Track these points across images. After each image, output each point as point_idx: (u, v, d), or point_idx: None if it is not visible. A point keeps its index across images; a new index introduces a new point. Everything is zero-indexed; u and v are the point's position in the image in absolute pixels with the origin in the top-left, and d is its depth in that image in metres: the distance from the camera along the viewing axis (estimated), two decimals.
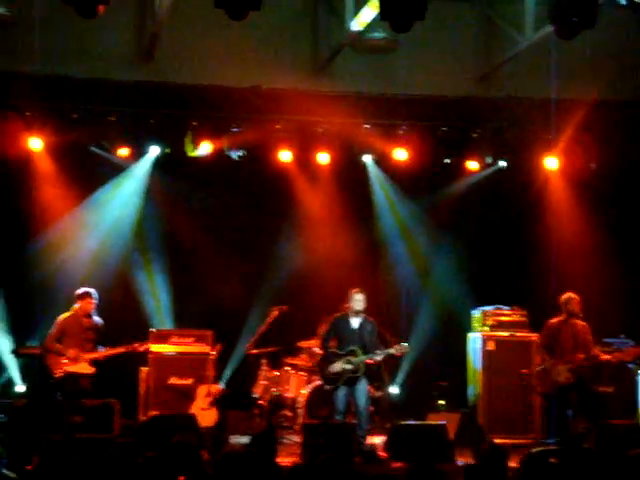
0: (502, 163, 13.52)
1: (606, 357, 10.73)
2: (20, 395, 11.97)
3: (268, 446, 7.08)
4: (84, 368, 10.76)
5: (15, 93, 11.53)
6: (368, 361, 10.63)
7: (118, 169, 12.90)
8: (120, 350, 11.01)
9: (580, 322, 10.79)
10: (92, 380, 10.80)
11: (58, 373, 10.67)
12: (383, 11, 8.27)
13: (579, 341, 10.69)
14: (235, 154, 12.76)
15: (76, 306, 10.99)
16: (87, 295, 10.98)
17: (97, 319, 11.06)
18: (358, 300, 10.70)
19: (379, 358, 10.65)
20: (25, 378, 12.21)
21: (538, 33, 10.67)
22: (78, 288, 11.18)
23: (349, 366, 10.56)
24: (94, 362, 10.83)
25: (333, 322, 10.87)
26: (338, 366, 10.57)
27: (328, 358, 10.72)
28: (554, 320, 10.89)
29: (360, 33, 10.95)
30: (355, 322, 10.76)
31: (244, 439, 10.93)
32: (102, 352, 10.89)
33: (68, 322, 10.92)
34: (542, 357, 10.89)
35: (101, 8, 7.70)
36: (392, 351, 10.68)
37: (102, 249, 12.74)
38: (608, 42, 11.58)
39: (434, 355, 13.07)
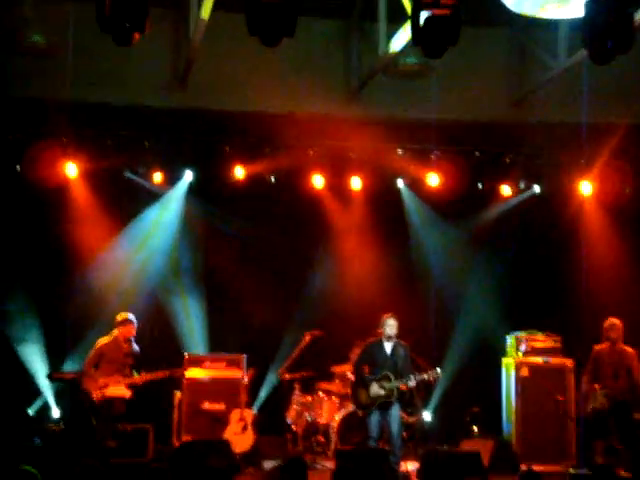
0: (536, 188, 13.48)
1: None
2: (55, 420, 12.03)
3: (299, 472, 7.06)
4: (121, 392, 10.83)
5: (51, 120, 11.66)
6: (401, 387, 10.57)
7: (153, 195, 12.99)
8: (159, 375, 11.07)
9: (627, 348, 10.72)
10: (126, 403, 10.85)
11: (95, 396, 10.74)
12: (415, 37, 8.28)
13: (622, 367, 10.59)
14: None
15: (116, 331, 11.07)
16: (128, 321, 11.08)
17: (135, 346, 11.13)
18: (391, 325, 10.68)
19: (412, 384, 10.58)
20: (60, 403, 12.28)
21: (572, 58, 10.67)
22: (113, 314, 11.27)
23: (382, 391, 10.52)
24: (131, 386, 10.89)
25: (366, 347, 10.85)
26: (372, 391, 10.52)
27: (361, 383, 10.67)
28: (599, 346, 10.85)
29: (393, 59, 10.99)
30: (388, 347, 10.72)
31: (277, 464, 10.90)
32: (141, 377, 10.95)
33: (108, 347, 11.01)
34: (583, 381, 10.82)
35: (137, 36, 7.76)
36: (425, 377, 10.63)
37: (138, 275, 12.80)
38: None
39: (468, 381, 12.98)
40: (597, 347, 10.86)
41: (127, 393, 10.85)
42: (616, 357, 10.65)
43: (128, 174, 12.70)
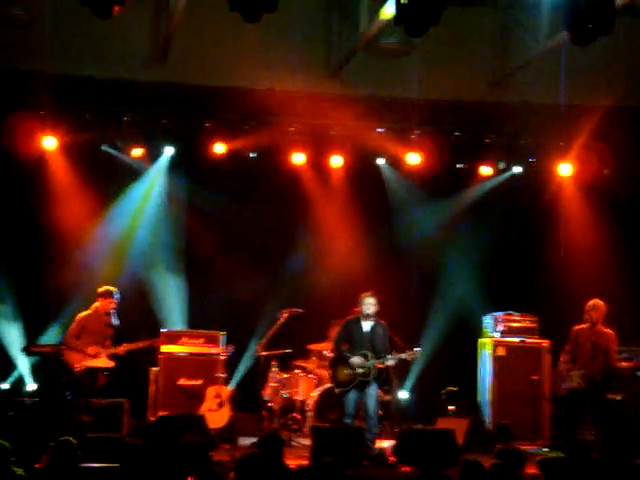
0: (516, 169, 13.51)
1: (625, 364, 10.70)
2: (31, 393, 12.00)
3: (275, 448, 7.08)
4: (104, 362, 10.88)
5: (30, 92, 11.58)
6: (379, 365, 10.60)
7: (132, 169, 12.94)
8: (139, 345, 11.11)
9: (605, 329, 10.76)
10: (110, 375, 10.92)
11: (78, 367, 10.75)
12: (398, 15, 8.26)
13: (599, 349, 10.65)
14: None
15: (97, 304, 11.09)
16: (109, 294, 11.10)
17: (115, 319, 11.14)
18: (369, 303, 10.68)
19: (391, 362, 10.61)
20: (36, 376, 12.26)
21: (553, 39, 10.66)
22: (93, 289, 11.27)
23: (360, 370, 10.53)
24: (113, 357, 10.93)
25: (345, 325, 10.86)
26: (350, 369, 10.53)
27: (340, 361, 10.69)
28: (578, 326, 10.89)
29: (374, 37, 10.96)
30: (367, 326, 10.73)
31: (253, 441, 10.94)
32: (123, 347, 10.97)
33: (88, 319, 11.05)
34: (560, 361, 10.87)
35: (117, 8, 7.71)
36: (404, 356, 10.66)
37: (118, 250, 12.77)
38: (622, 49, 11.54)
39: (445, 360, 13.03)
40: (577, 327, 10.89)
41: (110, 363, 10.90)
42: (595, 338, 10.69)
43: (107, 148, 12.65)
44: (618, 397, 11.65)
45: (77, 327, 11.00)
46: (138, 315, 12.30)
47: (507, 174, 13.57)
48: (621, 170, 13.10)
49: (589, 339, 10.71)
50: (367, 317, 10.69)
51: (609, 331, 10.76)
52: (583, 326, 10.85)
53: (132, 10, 8.56)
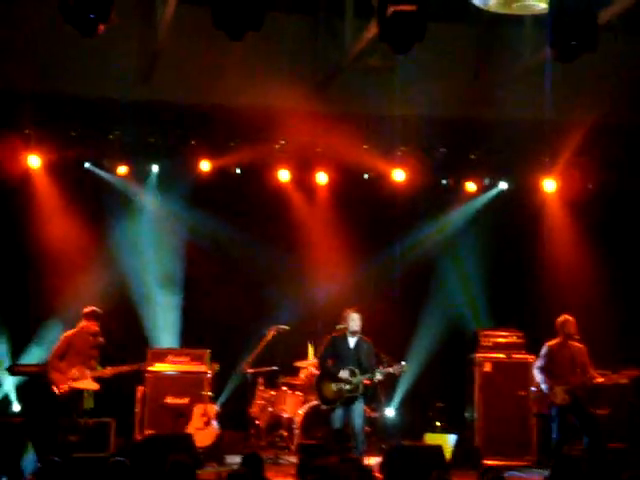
0: (502, 185, 13.58)
1: (601, 379, 10.69)
2: (16, 413, 11.92)
3: (255, 467, 7.08)
4: (89, 384, 10.79)
5: (14, 111, 11.57)
6: (366, 381, 10.59)
7: (118, 188, 12.90)
8: (125, 368, 11.05)
9: (577, 344, 10.77)
10: (96, 396, 10.83)
11: (62, 389, 10.68)
12: (382, 33, 8.30)
13: (576, 363, 10.65)
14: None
15: (82, 323, 11.03)
16: (94, 314, 11.04)
17: (100, 338, 11.08)
18: (355, 319, 10.67)
19: (379, 377, 10.60)
20: (21, 396, 12.18)
21: (536, 56, 10.72)
22: (76, 307, 11.20)
23: (347, 386, 10.52)
24: (98, 379, 10.85)
25: (330, 341, 10.84)
26: (337, 386, 10.52)
27: (326, 378, 10.66)
28: (552, 342, 10.87)
29: (359, 54, 10.99)
30: (352, 342, 10.72)
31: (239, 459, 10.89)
32: (108, 370, 10.91)
33: (74, 338, 10.98)
34: (540, 378, 10.87)
35: (102, 27, 7.72)
36: (391, 370, 10.66)
37: (104, 269, 12.70)
38: (606, 65, 11.61)
39: (432, 376, 13.03)
40: (550, 343, 10.87)
41: (95, 386, 10.82)
42: (570, 353, 10.69)
43: (92, 167, 12.63)
44: (605, 412, 11.70)
45: (62, 346, 10.93)
46: (126, 333, 12.25)
47: (492, 190, 13.60)
48: (605, 186, 13.17)
49: (565, 354, 10.69)
50: (353, 333, 10.69)
51: (580, 345, 10.77)
52: (555, 341, 10.83)
53: (117, 28, 8.55)
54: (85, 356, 10.91)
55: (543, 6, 8.46)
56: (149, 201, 13.10)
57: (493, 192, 13.67)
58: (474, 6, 9.17)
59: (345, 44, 10.96)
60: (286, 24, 11.88)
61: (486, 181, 13.56)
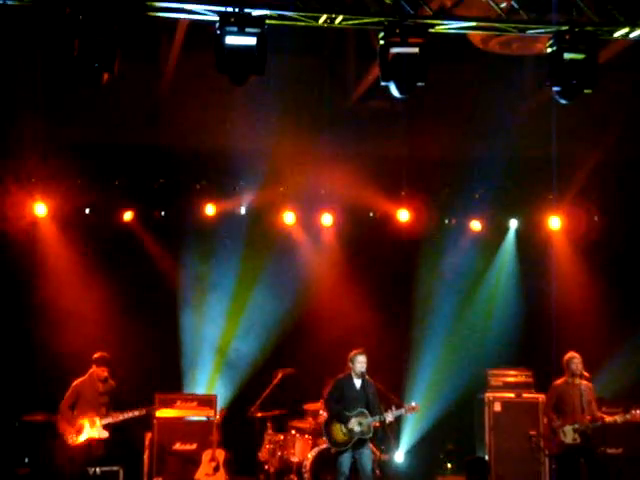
0: (512, 224, 13.62)
1: (610, 419, 10.59)
2: (24, 464, 11.84)
3: None
4: (98, 433, 10.74)
5: (21, 159, 11.65)
6: (375, 423, 10.50)
7: (124, 233, 12.92)
8: (135, 413, 10.98)
9: (584, 382, 10.70)
10: (106, 445, 10.77)
11: (72, 439, 10.62)
12: (384, 75, 8.36)
13: (585, 401, 10.58)
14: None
15: (91, 370, 11.01)
16: (102, 360, 11.00)
17: (111, 382, 11.06)
18: (361, 361, 10.59)
19: (390, 418, 10.51)
20: (29, 446, 12.10)
21: (538, 96, 10.78)
22: (81, 352, 11.19)
23: (359, 428, 10.42)
24: (108, 426, 10.80)
25: (336, 383, 10.73)
26: (349, 428, 10.41)
27: (337, 420, 10.54)
28: (559, 381, 10.81)
29: (362, 96, 11.07)
30: (358, 383, 10.63)
31: None
32: (118, 416, 10.86)
33: (83, 385, 10.96)
34: (549, 418, 10.79)
35: (106, 76, 7.77)
36: (403, 412, 10.60)
37: (110, 314, 12.69)
38: (610, 102, 11.67)
39: (442, 417, 12.95)
40: (557, 382, 10.82)
41: (104, 434, 10.76)
42: (579, 391, 10.62)
43: (97, 213, 12.66)
44: (618, 451, 11.61)
45: (72, 394, 10.89)
46: (135, 378, 12.20)
47: (497, 229, 13.67)
48: (610, 224, 13.19)
49: (573, 393, 10.62)
50: (359, 375, 10.62)
51: (587, 383, 10.71)
52: (562, 380, 10.76)
53: (122, 75, 8.61)
54: (94, 404, 10.86)
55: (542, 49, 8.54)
56: (153, 244, 13.09)
57: (495, 231, 13.69)
58: (475, 47, 9.26)
59: (348, 86, 11.02)
60: (289, 67, 11.97)
61: (491, 220, 13.56)
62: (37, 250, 12.50)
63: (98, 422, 10.75)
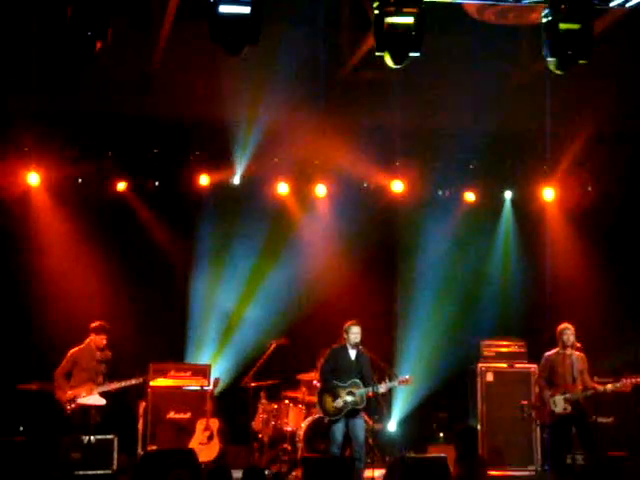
0: (507, 195, 13.63)
1: (602, 388, 10.67)
2: (19, 433, 11.88)
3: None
4: (96, 400, 10.77)
5: (13, 128, 11.60)
6: (370, 394, 10.55)
7: (118, 203, 12.91)
8: (131, 382, 11.01)
9: (577, 352, 10.75)
10: (103, 412, 10.80)
11: (69, 407, 10.66)
12: (378, 44, 8.33)
13: (576, 372, 10.65)
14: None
15: (90, 338, 11.01)
16: (101, 328, 11.01)
17: (108, 353, 11.08)
18: (355, 332, 10.63)
19: (383, 390, 10.58)
20: (24, 416, 12.14)
21: (533, 66, 10.75)
22: (76, 322, 11.20)
23: (351, 398, 10.48)
24: (105, 394, 10.84)
25: (331, 353, 10.80)
26: (341, 398, 10.48)
27: (329, 390, 10.62)
28: (551, 351, 10.86)
29: (357, 66, 11.03)
30: (352, 354, 10.69)
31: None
32: (113, 384, 10.89)
33: (80, 353, 10.97)
34: (540, 388, 10.86)
35: (99, 45, 7.72)
36: (395, 384, 10.66)
37: (105, 284, 12.69)
38: (604, 74, 11.65)
39: (434, 387, 13.01)
40: (548, 353, 10.87)
41: (102, 401, 10.79)
42: (570, 361, 10.67)
43: (90, 183, 12.63)
44: (609, 420, 11.70)
45: (67, 364, 10.91)
46: (129, 348, 12.22)
47: (492, 200, 13.67)
48: (604, 195, 13.21)
49: (565, 363, 10.67)
50: (353, 345, 10.66)
51: (580, 353, 10.76)
52: (554, 351, 10.81)
53: (114, 44, 8.56)
54: (92, 372, 10.89)
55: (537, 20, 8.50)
56: (149, 214, 13.08)
57: (489, 202, 13.71)
58: (470, 17, 9.21)
59: (343, 56, 10.97)
60: (284, 37, 11.91)
61: (486, 191, 13.56)
62: (30, 219, 12.50)
63: (95, 390, 10.78)
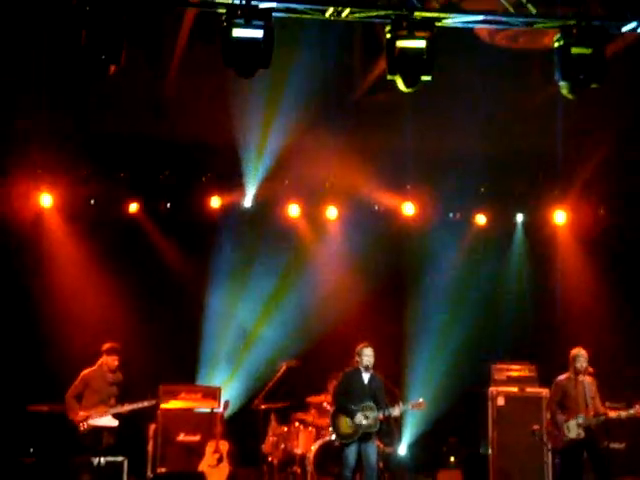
0: (519, 218, 13.62)
1: (614, 414, 10.59)
2: (29, 453, 11.87)
3: None
4: (108, 421, 10.76)
5: (27, 150, 11.66)
6: (381, 417, 10.52)
7: (128, 224, 12.94)
8: (144, 404, 10.99)
9: (589, 378, 10.70)
10: (115, 433, 10.79)
11: (82, 427, 10.65)
12: (390, 68, 8.36)
13: (589, 397, 10.58)
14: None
15: (102, 360, 11.02)
16: (113, 350, 11.00)
17: (120, 375, 11.06)
18: (368, 355, 10.60)
19: (396, 413, 10.55)
20: (34, 436, 12.13)
21: (545, 90, 10.76)
22: (88, 344, 11.21)
23: (366, 421, 10.43)
24: (117, 416, 10.82)
25: (344, 377, 10.77)
26: (356, 421, 10.43)
27: (343, 413, 10.56)
28: (563, 376, 10.80)
29: (368, 89, 11.06)
30: (365, 377, 10.66)
31: None
32: (125, 406, 10.87)
33: (92, 375, 10.96)
34: (552, 413, 10.80)
35: (113, 68, 7.77)
36: (409, 407, 10.63)
37: (116, 306, 12.70)
38: (616, 98, 11.65)
39: (445, 411, 12.95)
40: (561, 378, 10.80)
41: (114, 423, 10.78)
42: (583, 387, 10.62)
43: (103, 204, 12.68)
44: (621, 446, 11.62)
45: (79, 385, 10.89)
46: (141, 369, 12.21)
47: (503, 223, 13.67)
48: (616, 218, 13.19)
49: (577, 388, 10.61)
50: (366, 368, 10.63)
51: (590, 378, 10.70)
52: (565, 376, 10.75)
53: (128, 67, 8.61)
54: (103, 394, 10.87)
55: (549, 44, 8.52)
56: (159, 237, 13.11)
57: (500, 225, 13.70)
58: (482, 41, 9.24)
59: (355, 80, 11.01)
60: (295, 61, 11.96)
61: (496, 214, 13.55)
62: (43, 241, 12.54)
63: (108, 411, 10.76)
